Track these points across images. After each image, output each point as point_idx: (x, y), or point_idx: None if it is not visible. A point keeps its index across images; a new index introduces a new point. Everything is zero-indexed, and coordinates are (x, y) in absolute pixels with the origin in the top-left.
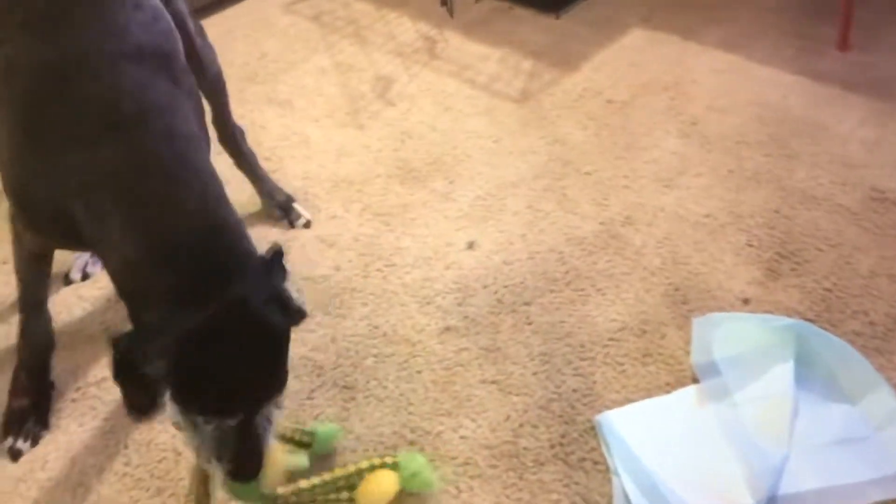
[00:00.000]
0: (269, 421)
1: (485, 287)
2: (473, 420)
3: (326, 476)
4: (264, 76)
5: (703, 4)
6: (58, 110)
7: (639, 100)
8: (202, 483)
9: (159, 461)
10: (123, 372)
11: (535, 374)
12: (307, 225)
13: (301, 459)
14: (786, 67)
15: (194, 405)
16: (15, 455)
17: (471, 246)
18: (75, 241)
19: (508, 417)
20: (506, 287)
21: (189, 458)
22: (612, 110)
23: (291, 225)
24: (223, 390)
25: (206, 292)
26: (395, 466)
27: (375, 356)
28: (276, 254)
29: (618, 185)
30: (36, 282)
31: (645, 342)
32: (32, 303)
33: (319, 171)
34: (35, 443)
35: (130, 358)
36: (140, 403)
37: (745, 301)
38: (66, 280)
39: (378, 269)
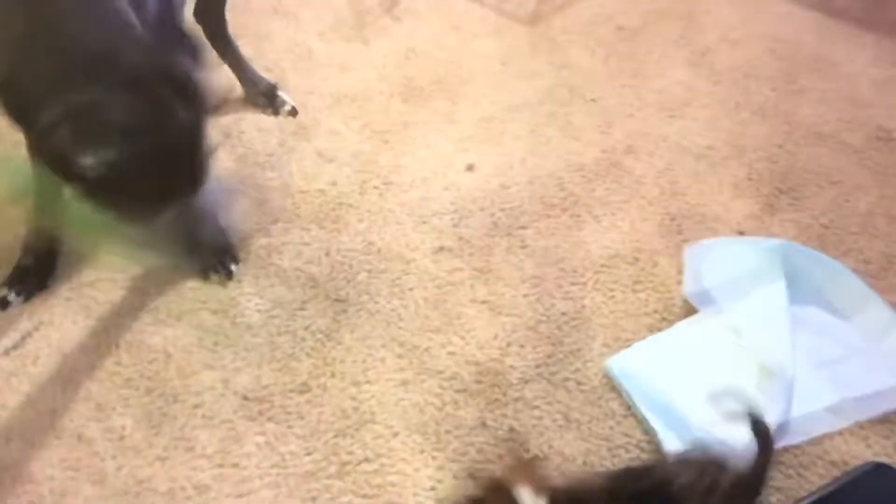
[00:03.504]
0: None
1: (481, 209)
2: (462, 337)
3: None
4: None
5: None
6: None
7: (650, 27)
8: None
9: (150, 362)
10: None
11: (525, 295)
12: (293, 112)
13: None
14: (802, 2)
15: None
16: (3, 304)
17: (470, 168)
18: None
19: (496, 336)
20: (502, 210)
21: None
22: (622, 37)
23: (276, 113)
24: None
25: (94, 75)
26: None
27: (369, 271)
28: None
29: (622, 114)
30: None
31: (637, 270)
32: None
33: (321, 85)
34: (27, 299)
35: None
36: None
37: (740, 233)
38: None
39: (375, 187)
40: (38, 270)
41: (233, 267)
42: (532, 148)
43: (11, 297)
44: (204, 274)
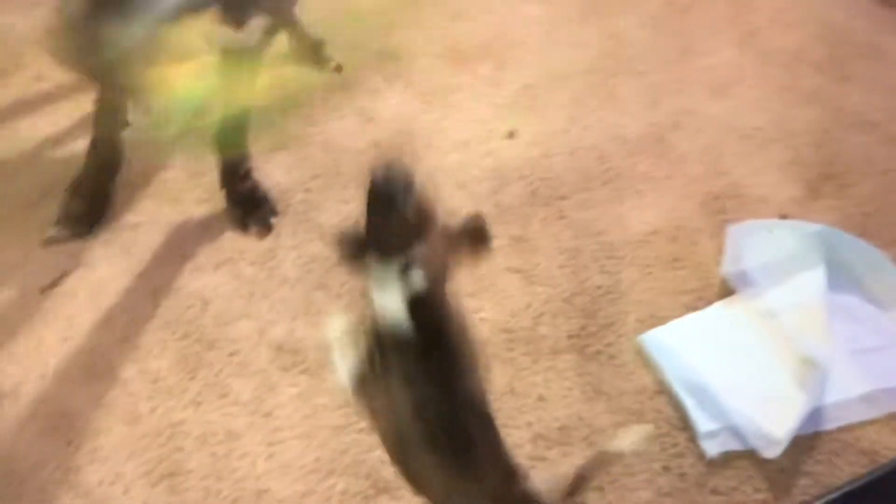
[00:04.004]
0: None
1: (521, 178)
2: (495, 304)
3: None
4: None
5: None
6: None
7: (701, 4)
8: None
9: (187, 308)
10: None
11: (561, 267)
12: (338, 69)
13: None
14: None
15: None
16: (49, 241)
17: (511, 135)
18: None
19: (530, 305)
20: (542, 180)
21: None
22: (673, 11)
23: (321, 68)
24: None
25: None
26: None
27: None
28: None
29: (669, 89)
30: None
31: (676, 247)
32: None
33: (366, 43)
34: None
35: None
36: None
37: (783, 216)
38: None
39: (415, 148)
40: (90, 214)
41: (272, 220)
42: (575, 118)
43: (59, 233)
44: (243, 225)
